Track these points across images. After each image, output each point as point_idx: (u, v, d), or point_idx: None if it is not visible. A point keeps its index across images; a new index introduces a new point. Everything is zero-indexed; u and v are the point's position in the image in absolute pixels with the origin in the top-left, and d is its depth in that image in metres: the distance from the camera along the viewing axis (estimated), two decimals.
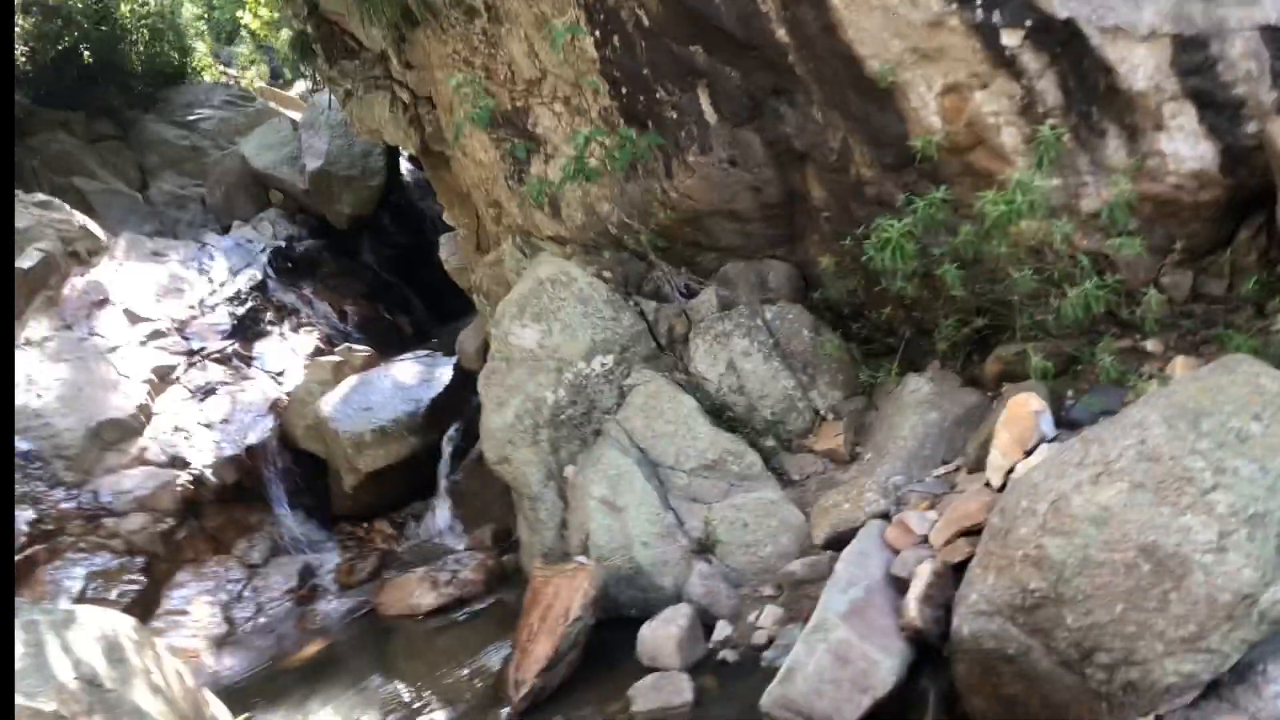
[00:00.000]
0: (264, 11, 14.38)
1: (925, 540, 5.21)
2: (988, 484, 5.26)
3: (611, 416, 7.06)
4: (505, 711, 6.07)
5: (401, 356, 10.54)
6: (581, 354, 7.22)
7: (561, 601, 6.07)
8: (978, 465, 5.61)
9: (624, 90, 7.34)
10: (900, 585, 5.05)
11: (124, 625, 6.44)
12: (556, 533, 7.06)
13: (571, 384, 7.18)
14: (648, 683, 5.58)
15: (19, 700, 5.30)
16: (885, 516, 5.62)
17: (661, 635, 5.80)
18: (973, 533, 4.96)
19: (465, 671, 7.09)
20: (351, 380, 10.06)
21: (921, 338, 6.68)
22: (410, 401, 9.69)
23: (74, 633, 6.04)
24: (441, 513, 9.22)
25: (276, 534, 9.42)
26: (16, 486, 8.94)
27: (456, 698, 6.80)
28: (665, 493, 6.60)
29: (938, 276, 6.00)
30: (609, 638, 6.22)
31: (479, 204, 9.55)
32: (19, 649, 5.62)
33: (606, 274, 7.76)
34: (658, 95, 7.22)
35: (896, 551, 5.25)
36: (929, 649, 4.81)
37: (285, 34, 13.56)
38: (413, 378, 10.07)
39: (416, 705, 6.91)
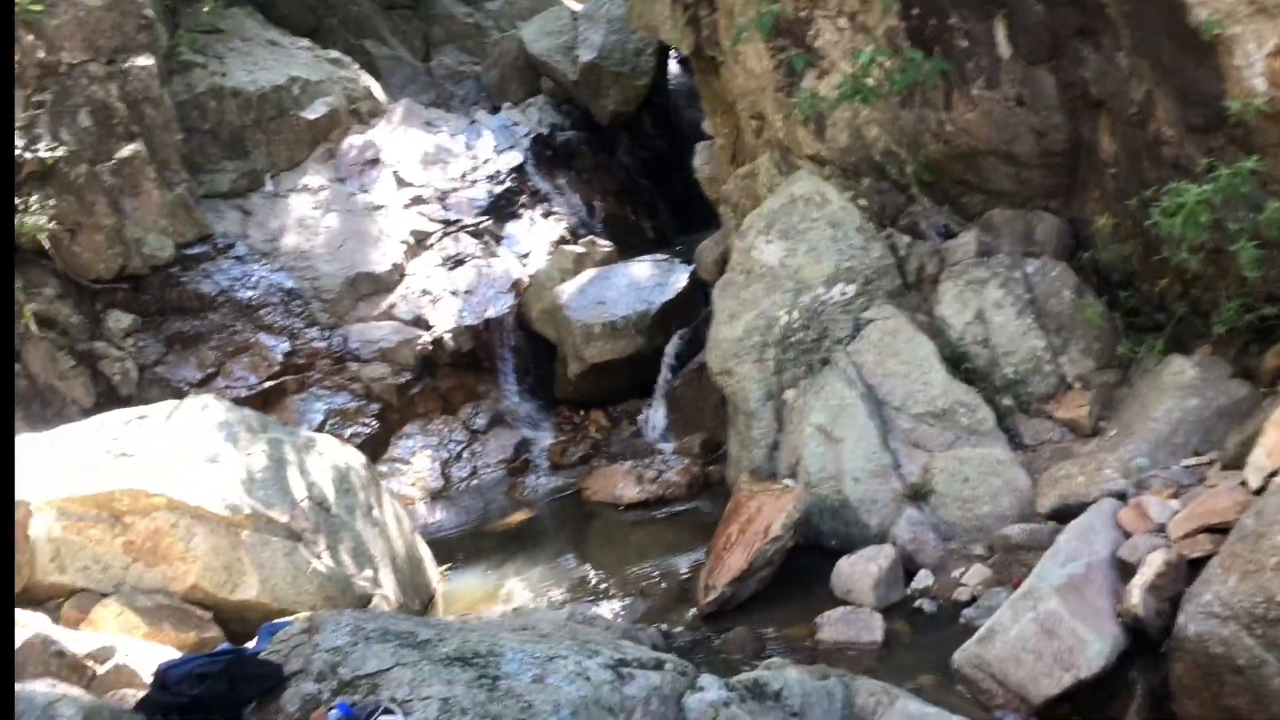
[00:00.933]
0: None
1: (1162, 529, 4.88)
2: (1243, 483, 4.83)
3: (842, 347, 6.90)
4: (691, 612, 6.18)
5: (641, 258, 10.63)
6: (823, 278, 7.07)
7: (763, 518, 6.06)
8: (1234, 462, 5.17)
9: (915, 11, 7.01)
10: (1125, 570, 4.76)
11: (356, 461, 6.92)
12: (766, 452, 7.03)
13: (807, 307, 7.05)
14: (837, 614, 5.54)
15: (255, 506, 5.78)
16: (1120, 497, 5.28)
17: (860, 571, 5.72)
18: (1218, 530, 4.60)
19: (654, 568, 7.25)
20: (590, 272, 10.25)
21: (1195, 318, 6.16)
22: (643, 302, 9.79)
23: (312, 458, 6.52)
24: (656, 414, 9.34)
25: (500, 406, 9.82)
26: (278, 320, 9.65)
27: (644, 590, 6.97)
28: (886, 432, 6.43)
29: (1229, 254, 5.49)
30: (803, 563, 6.21)
31: (742, 115, 9.43)
32: (262, 461, 6.11)
33: (862, 201, 7.53)
34: (951, 20, 6.86)
35: (1128, 535, 4.94)
36: (1145, 641, 4.53)
37: None
38: (648, 279, 10.15)
39: (604, 590, 7.13)
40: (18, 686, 3.67)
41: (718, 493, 7.88)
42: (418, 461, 9.25)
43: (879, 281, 7.06)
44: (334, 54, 12.10)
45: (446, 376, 9.82)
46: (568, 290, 9.96)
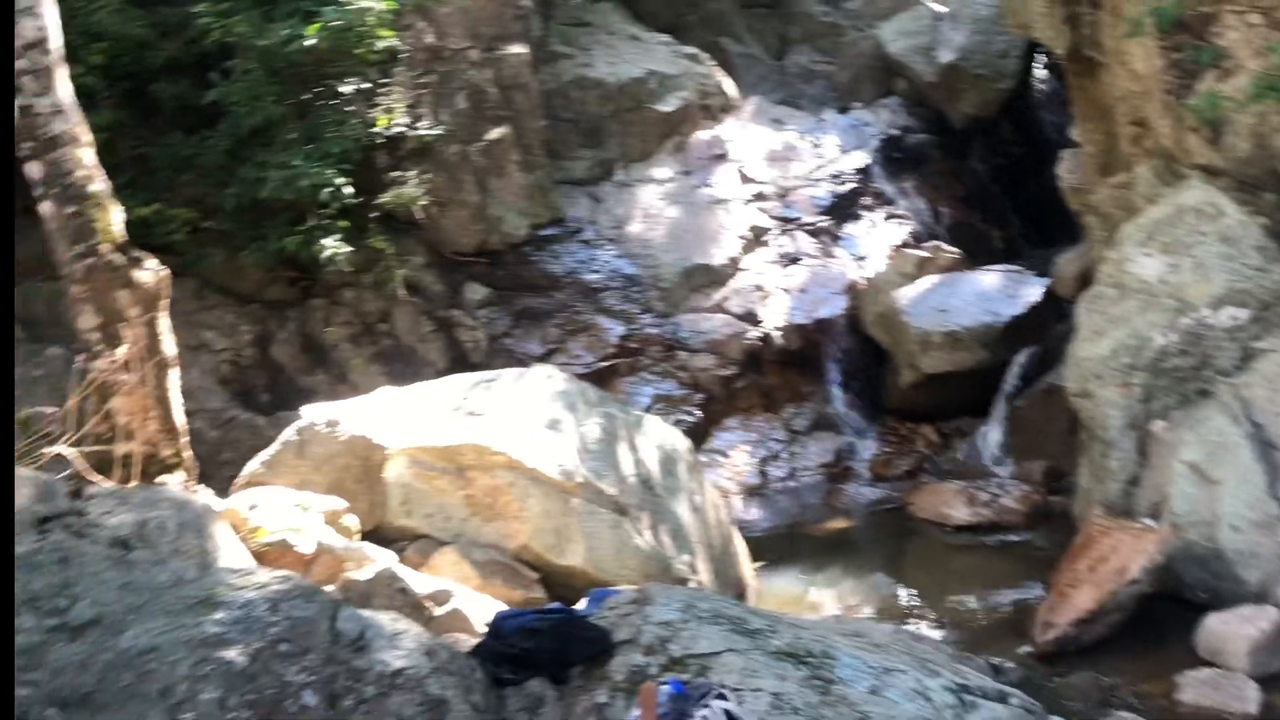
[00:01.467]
0: None
1: None
2: None
3: (1227, 379, 6.17)
4: (1026, 649, 5.72)
5: (990, 267, 10.02)
6: (1209, 300, 6.34)
7: (1119, 558, 5.51)
8: None
9: None
10: None
11: (681, 445, 6.94)
12: (1123, 486, 6.39)
13: (1187, 330, 6.35)
14: (1203, 676, 4.97)
15: (587, 475, 5.87)
16: None
17: (1234, 631, 5.09)
18: None
19: (978, 598, 6.84)
20: (933, 279, 9.76)
21: None
22: (988, 314, 9.21)
23: (641, 437, 6.58)
24: (993, 434, 8.77)
25: (824, 409, 9.57)
26: (616, 305, 9.90)
27: (964, 619, 6.58)
28: (1275, 479, 5.67)
29: None
30: (1158, 613, 5.65)
31: (1118, 120, 8.68)
32: (596, 433, 6.21)
33: (1262, 219, 6.69)
34: None
35: None
36: None
37: None
38: (997, 290, 9.54)
39: (920, 614, 6.77)
40: (366, 612, 3.85)
41: (1058, 526, 7.30)
42: (736, 455, 9.19)
43: (1278, 308, 6.23)
44: (691, 50, 12.28)
45: (771, 373, 9.69)
46: (907, 295, 9.54)
